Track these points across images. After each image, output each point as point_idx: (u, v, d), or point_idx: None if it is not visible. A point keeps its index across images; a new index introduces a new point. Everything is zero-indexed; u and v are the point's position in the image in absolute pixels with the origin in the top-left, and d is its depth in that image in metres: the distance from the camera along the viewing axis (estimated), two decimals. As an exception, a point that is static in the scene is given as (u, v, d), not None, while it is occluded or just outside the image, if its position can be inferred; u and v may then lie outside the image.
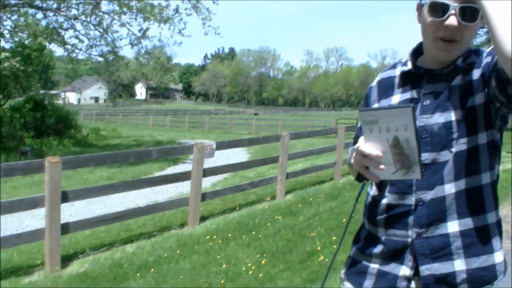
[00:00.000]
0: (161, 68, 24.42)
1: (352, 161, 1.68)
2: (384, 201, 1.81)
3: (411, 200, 1.72)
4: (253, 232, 6.95)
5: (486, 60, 1.64)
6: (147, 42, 27.41)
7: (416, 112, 1.69)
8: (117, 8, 20.48)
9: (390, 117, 1.45)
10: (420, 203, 1.70)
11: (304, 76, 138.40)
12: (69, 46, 21.67)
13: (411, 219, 1.72)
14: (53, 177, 5.48)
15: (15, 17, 19.23)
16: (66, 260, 6.16)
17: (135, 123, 47.25)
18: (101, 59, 22.51)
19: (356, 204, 1.91)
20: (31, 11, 19.81)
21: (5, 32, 20.33)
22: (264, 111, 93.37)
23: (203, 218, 8.14)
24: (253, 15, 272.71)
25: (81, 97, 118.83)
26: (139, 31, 21.08)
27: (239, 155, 18.87)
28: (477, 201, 1.69)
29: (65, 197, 5.83)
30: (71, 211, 9.55)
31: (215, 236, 6.81)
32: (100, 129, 33.40)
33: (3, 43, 22.84)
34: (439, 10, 1.57)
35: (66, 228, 5.95)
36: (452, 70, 1.70)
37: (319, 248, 6.15)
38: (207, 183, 12.42)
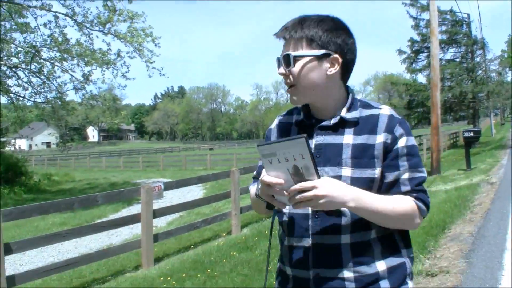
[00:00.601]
0: (108, 109, 24.27)
1: (259, 192, 1.74)
2: (286, 242, 1.92)
3: (309, 242, 1.80)
4: (209, 270, 6.86)
5: (394, 151, 1.78)
6: (91, 87, 27.33)
7: None
8: (58, 54, 20.46)
9: (286, 148, 1.53)
10: (316, 247, 1.79)
11: (256, 109, 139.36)
12: (12, 94, 21.47)
13: (310, 261, 1.80)
14: (-7, 229, 5.32)
15: None
16: (15, 314, 5.96)
17: (88, 165, 46.59)
18: (47, 105, 22.35)
19: (271, 237, 1.94)
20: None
21: None
22: (219, 145, 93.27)
23: (158, 259, 8.02)
24: (199, 54, 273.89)
25: (32, 143, 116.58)
26: (82, 76, 21.07)
27: (195, 191, 18.83)
28: (368, 253, 1.78)
29: (8, 249, 5.65)
30: (23, 261, 9.35)
31: (169, 277, 6.70)
32: (52, 174, 32.67)
33: None
34: (277, 64, 1.85)
35: (12, 281, 5.73)
36: (339, 121, 1.82)
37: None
38: (163, 221, 12.32)
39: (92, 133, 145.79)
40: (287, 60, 1.78)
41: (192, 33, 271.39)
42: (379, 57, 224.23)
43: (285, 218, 1.90)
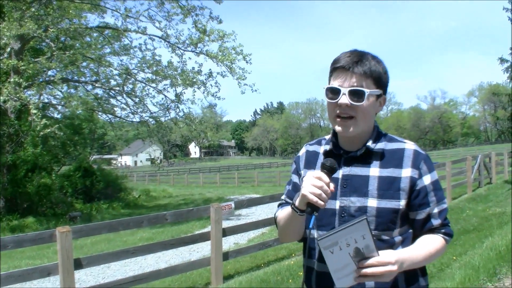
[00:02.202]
0: (206, 127, 25.02)
1: (299, 202, 1.81)
2: (315, 268, 1.99)
3: None
4: (272, 290, 6.88)
5: (422, 189, 1.92)
6: (186, 106, 28.14)
7: (337, 193, 1.92)
8: (149, 76, 21.37)
9: (349, 234, 1.60)
10: None
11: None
12: (110, 115, 22.66)
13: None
14: (64, 245, 5.65)
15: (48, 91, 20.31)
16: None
17: (186, 181, 47.74)
18: (142, 124, 23.39)
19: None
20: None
21: (57, 103, 21.44)
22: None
23: (228, 277, 8.12)
24: (298, 69, 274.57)
25: (137, 159, 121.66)
26: (175, 96, 21.79)
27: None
28: (392, 282, 1.85)
29: (79, 264, 5.97)
30: (106, 274, 9.76)
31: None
32: (150, 190, 33.91)
33: (52, 114, 24.09)
34: (334, 93, 1.90)
35: (81, 295, 6.05)
36: (365, 152, 1.94)
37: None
38: (245, 239, 12.46)
39: (194, 149, 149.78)
40: (358, 95, 1.86)
41: (291, 48, 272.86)
42: (484, 66, 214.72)
43: (316, 243, 1.95)
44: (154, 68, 20.94)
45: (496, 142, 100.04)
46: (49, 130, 15.92)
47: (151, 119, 23.03)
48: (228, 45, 20.86)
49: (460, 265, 6.90)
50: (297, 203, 1.83)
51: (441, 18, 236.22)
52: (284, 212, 2.05)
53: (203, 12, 20.82)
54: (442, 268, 7.07)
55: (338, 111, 1.89)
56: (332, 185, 1.75)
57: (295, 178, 2.17)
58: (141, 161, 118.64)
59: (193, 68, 21.30)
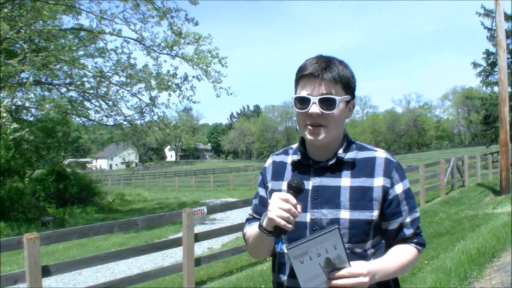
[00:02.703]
0: (182, 130, 24.98)
1: (266, 223, 1.77)
2: (285, 284, 1.92)
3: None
4: (244, 296, 6.85)
5: (395, 198, 1.90)
6: (163, 109, 28.03)
7: (307, 205, 1.86)
8: (124, 79, 21.24)
9: (320, 243, 1.56)
10: None
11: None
12: (84, 118, 22.45)
13: None
14: (31, 252, 5.52)
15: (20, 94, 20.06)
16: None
17: (162, 185, 47.56)
18: (116, 128, 23.23)
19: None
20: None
21: (30, 105, 21.17)
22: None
23: (201, 283, 8.10)
24: (274, 72, 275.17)
25: (112, 163, 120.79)
26: (149, 99, 21.68)
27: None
28: None
29: (47, 272, 5.86)
30: (77, 280, 9.63)
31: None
32: (125, 194, 33.66)
33: (26, 117, 23.81)
34: (303, 102, 1.84)
35: (49, 302, 5.95)
36: (335, 162, 1.90)
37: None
38: (219, 243, 12.39)
39: (170, 153, 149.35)
40: (329, 103, 1.82)
41: (268, 49, 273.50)
42: (457, 70, 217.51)
43: (286, 258, 1.91)
44: (129, 71, 20.76)
45: (470, 145, 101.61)
46: (19, 134, 15.70)
47: (125, 123, 22.83)
48: (204, 48, 20.72)
49: (432, 269, 6.95)
50: (264, 224, 1.78)
51: (417, 21, 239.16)
52: (252, 230, 1.99)
53: (178, 14, 20.67)
54: (414, 272, 7.10)
55: (308, 121, 1.85)
56: (299, 207, 1.70)
57: (261, 192, 2.11)
58: (116, 165, 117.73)
59: (168, 71, 21.18)
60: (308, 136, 1.87)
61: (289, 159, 2.03)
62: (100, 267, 10.06)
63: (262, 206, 2.06)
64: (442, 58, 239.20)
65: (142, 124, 23.67)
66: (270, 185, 2.04)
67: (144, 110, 22.36)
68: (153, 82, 20.85)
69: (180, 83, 21.17)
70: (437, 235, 9.81)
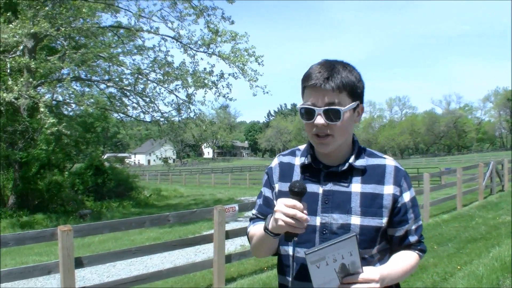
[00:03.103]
0: (220, 127, 25.20)
1: (272, 226, 1.76)
2: (290, 286, 1.94)
3: (312, 286, 1.84)
4: (272, 294, 6.87)
5: (403, 206, 1.93)
6: (200, 107, 28.30)
7: (318, 209, 1.88)
8: (161, 76, 21.47)
9: (337, 250, 1.59)
10: None
11: (369, 127, 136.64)
12: (122, 114, 22.82)
13: None
14: (65, 244, 5.66)
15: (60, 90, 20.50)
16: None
17: (198, 182, 47.86)
18: (154, 124, 23.51)
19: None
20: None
21: (71, 101, 21.63)
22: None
23: (231, 280, 8.13)
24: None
25: (150, 159, 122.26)
26: (186, 96, 21.85)
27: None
28: None
29: (79, 263, 5.99)
30: (111, 272, 9.80)
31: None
32: (161, 190, 34.02)
33: (66, 112, 24.34)
34: (308, 113, 1.83)
35: (81, 293, 6.09)
36: (347, 169, 1.90)
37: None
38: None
39: (207, 150, 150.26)
40: (334, 113, 1.80)
41: (304, 48, 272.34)
42: (500, 71, 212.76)
43: (291, 261, 1.93)
44: (166, 69, 21.01)
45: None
46: (56, 128, 16.03)
47: (162, 119, 23.10)
48: (241, 47, 20.84)
49: (464, 275, 6.84)
50: (270, 227, 1.78)
51: (456, 21, 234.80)
52: (257, 230, 2.00)
53: (215, 13, 20.86)
54: (446, 277, 7.02)
55: (315, 131, 1.84)
56: (306, 212, 1.69)
57: (267, 192, 2.10)
58: (154, 160, 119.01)
59: (205, 69, 21.33)
60: (316, 146, 1.90)
61: (297, 160, 2.04)
62: (134, 261, 10.23)
63: (266, 206, 2.07)
64: (484, 59, 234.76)
65: (179, 121, 23.90)
66: (277, 186, 2.04)
67: (180, 107, 22.58)
68: (189, 80, 21.04)
69: (216, 80, 21.32)
70: (472, 240, 9.65)
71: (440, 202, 14.74)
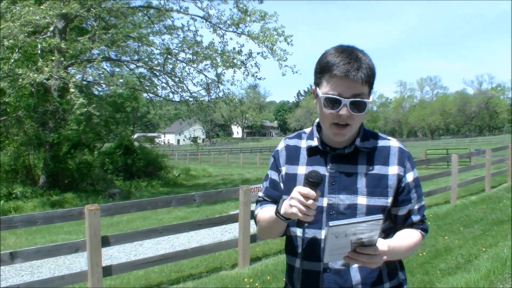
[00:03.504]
0: (249, 107, 25.22)
1: (285, 210, 1.78)
2: (297, 266, 2.00)
3: (320, 267, 1.92)
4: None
5: (406, 186, 1.97)
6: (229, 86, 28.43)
7: (324, 190, 1.91)
8: (190, 56, 21.49)
9: (359, 227, 1.61)
10: (328, 270, 1.91)
11: (399, 107, 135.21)
12: (151, 94, 22.99)
13: (322, 284, 1.92)
14: (92, 223, 5.78)
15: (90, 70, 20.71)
16: (111, 301, 6.45)
17: (227, 161, 48.10)
18: (183, 104, 23.64)
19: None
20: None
21: (101, 82, 21.87)
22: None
23: (256, 259, 8.20)
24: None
25: (180, 138, 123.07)
26: (215, 76, 21.86)
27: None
28: (377, 275, 1.94)
29: (106, 242, 6.12)
30: (138, 251, 9.96)
31: (253, 279, 6.84)
32: (190, 169, 34.32)
33: (97, 92, 24.64)
34: (334, 103, 1.81)
35: (108, 271, 6.22)
36: (353, 151, 1.95)
37: None
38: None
39: (237, 130, 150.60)
40: (359, 105, 1.81)
41: (336, 28, 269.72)
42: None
43: (299, 241, 1.98)
44: (195, 49, 21.02)
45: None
46: (85, 109, 16.23)
47: (191, 99, 23.20)
48: (270, 26, 20.71)
49: (488, 257, 6.80)
50: (282, 211, 1.80)
51: (490, 0, 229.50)
52: (266, 214, 2.02)
53: (244, -8, 20.77)
54: (470, 259, 6.98)
55: (336, 120, 1.83)
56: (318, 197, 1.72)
57: (273, 175, 2.13)
58: (184, 140, 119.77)
59: (234, 48, 21.29)
60: (334, 136, 1.89)
61: (303, 143, 2.07)
62: (161, 240, 10.38)
63: (273, 189, 2.10)
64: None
65: (208, 101, 23.98)
66: (284, 169, 2.07)
67: (209, 86, 22.64)
68: (218, 59, 21.04)
69: (245, 60, 21.28)
70: (498, 222, 9.55)
71: (468, 184, 14.59)
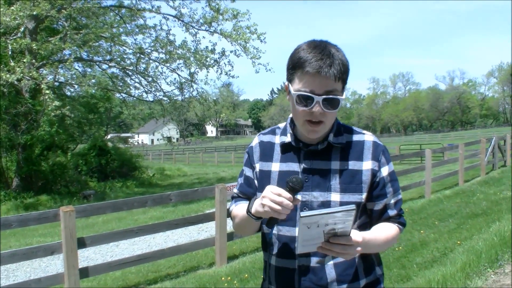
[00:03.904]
0: (223, 106, 25.22)
1: (255, 210, 1.80)
2: (273, 263, 2.00)
3: (295, 264, 1.91)
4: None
5: (381, 180, 1.95)
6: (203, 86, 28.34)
7: None
8: (163, 56, 21.41)
9: (332, 218, 1.59)
10: (303, 268, 1.90)
11: (373, 104, 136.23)
12: (124, 94, 22.85)
13: (296, 282, 1.91)
14: (67, 225, 5.74)
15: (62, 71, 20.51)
16: (88, 303, 6.42)
17: (202, 160, 47.99)
18: (156, 103, 23.55)
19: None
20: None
21: (73, 82, 21.66)
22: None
23: (233, 257, 8.23)
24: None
25: (154, 138, 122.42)
26: (188, 75, 21.82)
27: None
28: (352, 271, 1.93)
29: (82, 243, 6.09)
30: (114, 252, 9.91)
31: (230, 277, 6.87)
32: (165, 169, 34.16)
33: (69, 93, 24.38)
34: (306, 100, 1.79)
35: (85, 273, 6.20)
36: (326, 147, 1.93)
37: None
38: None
39: (211, 128, 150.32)
40: (332, 102, 1.79)
41: (310, 25, 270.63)
42: (504, 47, 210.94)
43: (274, 239, 1.97)
44: (168, 48, 20.96)
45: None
46: (60, 112, 16.09)
47: (165, 98, 23.13)
48: (242, 24, 20.73)
49: (464, 250, 6.89)
50: (253, 211, 1.81)
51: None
52: (239, 211, 2.03)
53: (216, -10, 20.75)
54: (446, 252, 7.09)
55: (309, 117, 1.82)
56: (297, 200, 1.73)
57: (248, 172, 2.12)
58: (158, 140, 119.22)
59: (207, 47, 21.27)
60: (307, 133, 1.87)
61: (277, 139, 2.05)
62: (138, 240, 10.33)
63: (247, 186, 2.10)
64: (488, 34, 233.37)
65: (182, 100, 23.91)
66: (258, 166, 2.06)
67: (183, 86, 22.59)
68: (191, 58, 20.99)
69: (218, 58, 21.27)
70: (473, 216, 9.70)
71: (442, 178, 14.79)
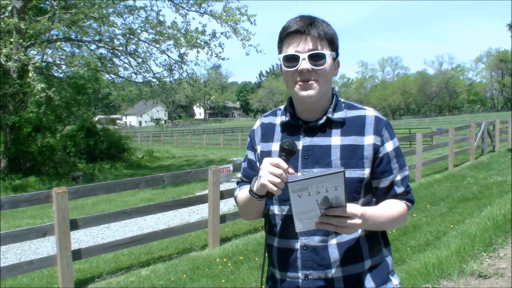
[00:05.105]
0: (211, 88, 25.10)
1: (256, 186, 1.75)
2: (275, 245, 1.95)
3: (297, 244, 1.87)
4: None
5: (385, 156, 1.89)
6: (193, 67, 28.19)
7: (298, 164, 1.86)
8: (153, 37, 21.21)
9: (322, 182, 1.54)
10: (305, 248, 1.85)
11: (361, 87, 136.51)
12: (113, 75, 22.62)
13: (299, 262, 1.86)
14: (60, 206, 5.67)
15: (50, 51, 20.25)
16: (81, 284, 6.37)
17: (190, 142, 47.91)
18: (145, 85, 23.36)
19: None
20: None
21: (61, 63, 21.42)
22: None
23: (225, 239, 8.21)
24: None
25: (142, 120, 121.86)
26: (178, 56, 21.65)
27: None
28: (356, 251, 1.87)
29: (75, 225, 6.02)
30: (105, 234, 9.87)
31: (225, 259, 6.86)
32: (153, 151, 34.05)
33: (56, 74, 24.11)
34: (292, 60, 1.81)
35: (77, 255, 6.14)
36: (325, 122, 1.89)
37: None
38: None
39: (199, 110, 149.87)
40: (319, 58, 1.80)
41: (300, 7, 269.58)
42: (492, 32, 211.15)
43: (277, 219, 1.94)
44: (158, 29, 20.75)
45: (502, 110, 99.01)
46: (45, 94, 15.94)
47: (154, 80, 22.96)
48: (233, 6, 20.61)
49: (457, 234, 6.92)
50: (254, 189, 1.78)
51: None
52: (243, 194, 1.98)
53: (207, -29, 20.56)
54: (439, 236, 7.11)
55: (298, 78, 1.82)
56: (291, 170, 1.69)
57: (250, 155, 2.10)
58: (146, 122, 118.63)
59: (197, 28, 21.10)
60: (300, 93, 1.84)
61: (278, 120, 2.03)
62: (128, 222, 10.29)
63: (251, 169, 2.07)
64: (477, 19, 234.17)
65: (171, 81, 23.75)
66: (259, 147, 2.03)
67: (173, 67, 22.42)
68: (182, 40, 20.82)
69: (209, 40, 21.13)
70: (464, 200, 9.74)
71: (432, 162, 14.87)
